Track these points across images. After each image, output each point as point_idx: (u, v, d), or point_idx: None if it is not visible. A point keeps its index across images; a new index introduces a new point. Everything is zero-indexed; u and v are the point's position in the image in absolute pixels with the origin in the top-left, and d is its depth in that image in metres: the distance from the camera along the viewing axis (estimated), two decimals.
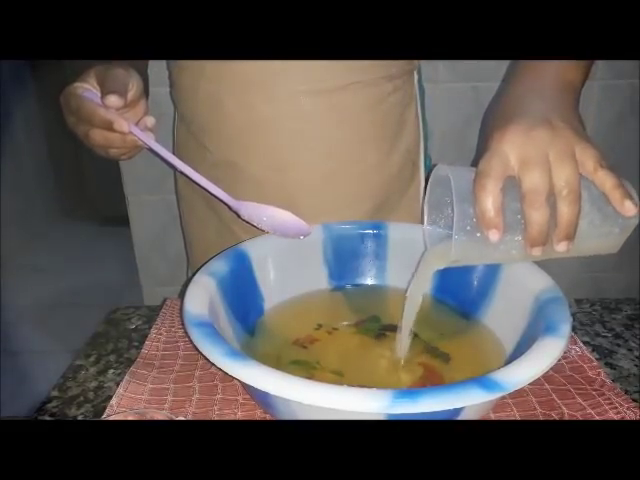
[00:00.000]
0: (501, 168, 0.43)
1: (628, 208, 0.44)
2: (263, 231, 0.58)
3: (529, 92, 0.49)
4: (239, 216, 0.58)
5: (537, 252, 0.44)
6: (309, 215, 0.66)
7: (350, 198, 0.68)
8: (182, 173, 0.56)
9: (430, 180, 0.50)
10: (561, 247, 0.44)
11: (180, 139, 0.73)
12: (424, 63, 0.73)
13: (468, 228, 0.44)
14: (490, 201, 0.43)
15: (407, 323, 0.49)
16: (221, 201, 0.57)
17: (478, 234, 0.44)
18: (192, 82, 0.65)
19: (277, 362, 0.48)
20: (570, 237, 0.44)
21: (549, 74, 0.50)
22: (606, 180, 0.43)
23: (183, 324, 0.43)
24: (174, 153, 0.77)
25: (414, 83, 0.71)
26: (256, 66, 0.61)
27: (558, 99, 0.48)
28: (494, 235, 0.43)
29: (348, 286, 0.59)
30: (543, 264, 0.50)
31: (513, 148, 0.44)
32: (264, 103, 0.62)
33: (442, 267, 0.49)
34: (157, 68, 0.71)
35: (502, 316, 0.51)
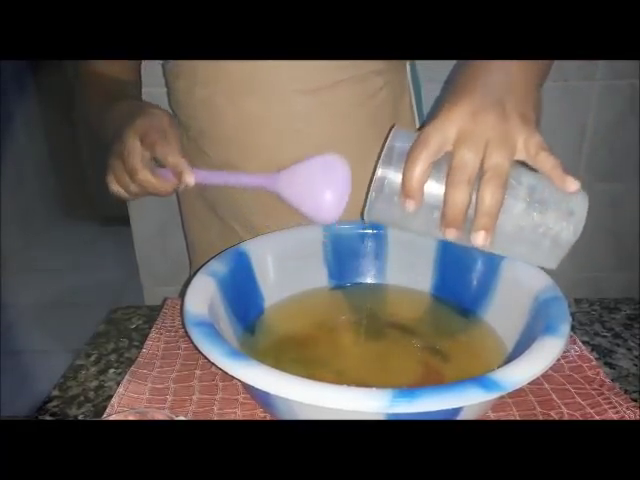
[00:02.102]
0: (439, 141, 0.43)
1: (570, 184, 0.43)
2: (265, 231, 0.58)
3: (492, 64, 0.47)
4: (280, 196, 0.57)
5: (451, 234, 0.43)
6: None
7: None
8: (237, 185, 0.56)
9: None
10: (477, 238, 0.42)
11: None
12: (423, 63, 0.73)
13: (387, 190, 0.44)
14: (416, 171, 0.42)
15: None
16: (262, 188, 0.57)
17: (395, 198, 0.44)
18: (187, 88, 0.66)
19: (277, 361, 0.48)
20: (487, 229, 0.42)
21: None
22: (547, 161, 0.43)
23: (183, 324, 0.43)
24: None
25: (406, 75, 0.71)
26: (248, 68, 0.62)
27: (519, 76, 0.47)
28: (410, 205, 0.43)
29: (348, 285, 0.59)
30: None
31: (456, 125, 0.43)
32: (257, 104, 0.63)
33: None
34: (157, 69, 0.72)
35: (501, 315, 0.51)
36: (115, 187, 0.57)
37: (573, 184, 0.43)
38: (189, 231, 0.80)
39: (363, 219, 0.48)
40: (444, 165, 0.43)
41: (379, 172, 0.44)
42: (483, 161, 0.42)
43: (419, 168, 0.42)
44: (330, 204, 0.57)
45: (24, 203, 2.53)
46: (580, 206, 0.45)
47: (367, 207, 0.46)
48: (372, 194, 0.44)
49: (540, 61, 0.49)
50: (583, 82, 1.05)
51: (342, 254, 0.59)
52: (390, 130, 0.48)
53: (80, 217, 2.76)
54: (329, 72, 0.63)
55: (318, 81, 0.63)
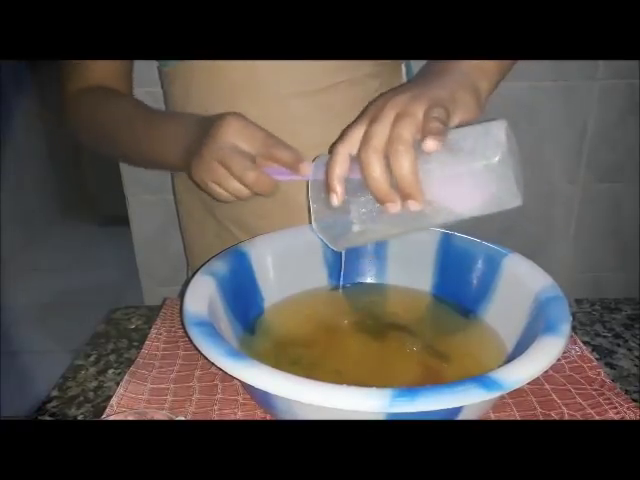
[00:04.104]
0: (354, 135, 0.44)
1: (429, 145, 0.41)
2: (258, 232, 0.58)
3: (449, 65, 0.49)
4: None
5: (393, 208, 0.42)
6: (304, 214, 0.66)
7: None
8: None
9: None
10: (412, 205, 0.42)
11: None
12: (418, 65, 0.73)
13: (322, 195, 0.46)
14: (334, 164, 0.44)
15: None
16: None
17: (323, 195, 0.46)
18: (183, 92, 0.66)
19: (277, 361, 0.48)
20: (414, 192, 0.41)
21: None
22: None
23: (183, 324, 0.43)
24: None
25: (402, 77, 0.71)
26: (243, 71, 0.62)
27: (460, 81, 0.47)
28: (333, 198, 0.44)
29: (348, 285, 0.59)
30: (543, 264, 0.50)
31: (369, 116, 0.44)
32: (253, 107, 0.62)
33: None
34: (157, 69, 0.72)
35: (502, 315, 0.51)
36: (212, 185, 0.53)
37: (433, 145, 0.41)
38: (186, 232, 0.80)
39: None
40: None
41: (310, 184, 0.48)
42: (389, 136, 0.42)
43: (337, 163, 0.44)
44: None
45: (24, 203, 2.53)
46: (496, 126, 0.43)
47: (312, 218, 0.48)
48: (312, 205, 0.47)
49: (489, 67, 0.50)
50: (583, 82, 1.05)
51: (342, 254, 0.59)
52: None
53: (80, 217, 2.76)
54: (326, 74, 0.63)
55: (315, 84, 0.63)
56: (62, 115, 0.70)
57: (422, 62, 0.57)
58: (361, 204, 0.46)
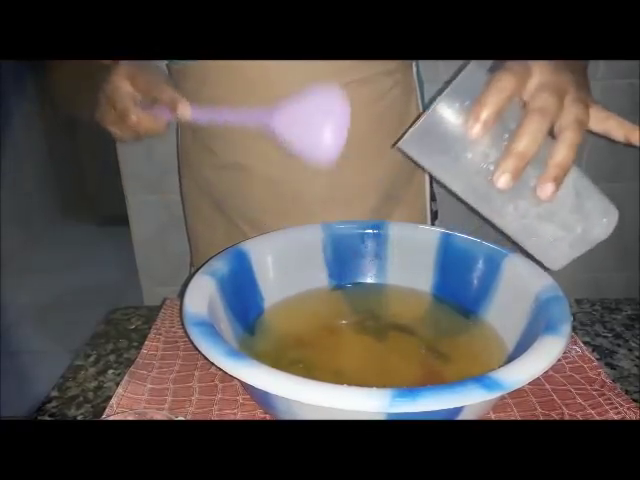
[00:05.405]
0: (523, 78, 0.42)
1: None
2: (270, 230, 0.58)
3: None
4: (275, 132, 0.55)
5: (503, 183, 0.39)
6: (316, 211, 0.66)
7: (355, 193, 0.68)
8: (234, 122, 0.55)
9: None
10: (545, 190, 0.40)
11: (185, 144, 0.74)
12: (424, 63, 0.73)
13: (457, 104, 0.40)
14: (496, 96, 0.39)
15: None
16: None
17: (451, 126, 0.40)
18: (195, 88, 0.66)
19: (277, 361, 0.47)
20: (557, 181, 0.40)
21: None
22: (619, 122, 0.43)
23: (183, 324, 0.43)
24: (179, 157, 0.77)
25: (413, 75, 0.72)
26: (257, 69, 0.62)
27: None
28: (476, 130, 0.39)
29: (348, 285, 0.59)
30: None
31: (541, 72, 0.42)
32: (266, 105, 0.62)
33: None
34: (161, 67, 0.72)
35: (502, 315, 0.51)
36: (110, 127, 0.56)
37: None
38: (193, 231, 0.79)
39: (398, 146, 0.43)
40: (511, 113, 0.41)
41: (444, 97, 0.40)
42: (561, 115, 0.41)
43: (498, 96, 0.39)
44: (329, 139, 0.54)
45: (24, 204, 2.53)
46: (615, 211, 0.44)
47: (416, 129, 0.41)
48: (426, 117, 0.40)
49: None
50: None
51: (342, 254, 0.59)
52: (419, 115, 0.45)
53: (79, 218, 2.76)
54: (340, 73, 0.63)
55: (329, 82, 0.63)
56: (46, 80, 0.71)
57: (428, 66, 0.56)
58: (473, 153, 0.41)
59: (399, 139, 0.43)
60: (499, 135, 0.40)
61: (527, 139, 0.39)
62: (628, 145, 0.43)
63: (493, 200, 0.42)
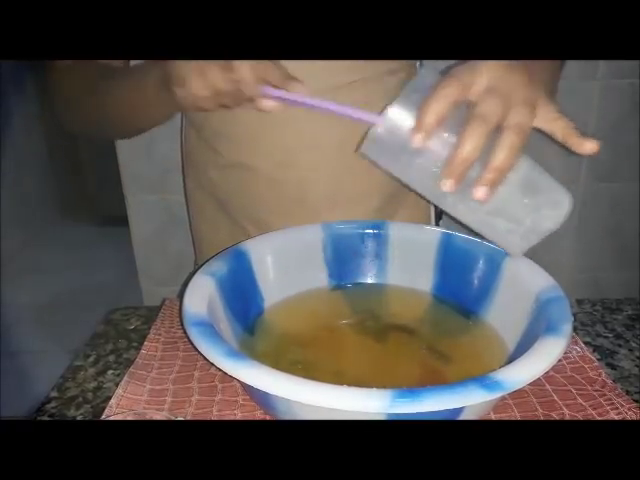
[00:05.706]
0: (468, 83, 0.43)
1: (588, 145, 0.42)
2: (274, 230, 0.58)
3: None
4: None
5: (447, 186, 0.42)
6: (320, 211, 0.66)
7: (360, 193, 0.68)
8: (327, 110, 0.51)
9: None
10: (479, 192, 0.42)
11: (190, 144, 0.74)
12: (426, 63, 0.73)
13: (397, 123, 0.43)
14: (437, 106, 0.41)
15: None
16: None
17: (403, 131, 0.43)
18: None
19: (276, 362, 0.47)
20: (493, 185, 0.42)
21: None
22: (566, 125, 0.43)
23: (182, 324, 0.43)
24: (183, 157, 0.77)
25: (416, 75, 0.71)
26: None
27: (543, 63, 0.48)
28: (417, 139, 0.42)
29: (348, 285, 0.59)
30: (544, 263, 0.50)
31: (487, 73, 0.43)
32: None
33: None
34: None
35: (503, 315, 0.51)
36: (195, 89, 0.51)
37: (591, 145, 0.43)
38: (197, 232, 0.79)
39: (361, 151, 0.46)
40: (458, 117, 0.42)
41: (395, 104, 0.43)
42: (505, 118, 0.42)
43: (441, 104, 0.42)
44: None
45: (23, 203, 2.53)
46: (566, 201, 0.45)
47: (371, 136, 0.44)
48: (379, 126, 0.43)
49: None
50: (584, 82, 1.05)
51: (342, 254, 0.59)
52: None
53: (79, 218, 2.76)
54: (345, 72, 0.63)
55: (334, 81, 0.63)
56: (48, 97, 0.70)
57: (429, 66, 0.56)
58: (423, 160, 0.43)
59: (359, 145, 0.45)
60: (445, 140, 0.43)
61: (469, 145, 0.41)
62: (564, 147, 0.44)
63: (447, 199, 0.46)
